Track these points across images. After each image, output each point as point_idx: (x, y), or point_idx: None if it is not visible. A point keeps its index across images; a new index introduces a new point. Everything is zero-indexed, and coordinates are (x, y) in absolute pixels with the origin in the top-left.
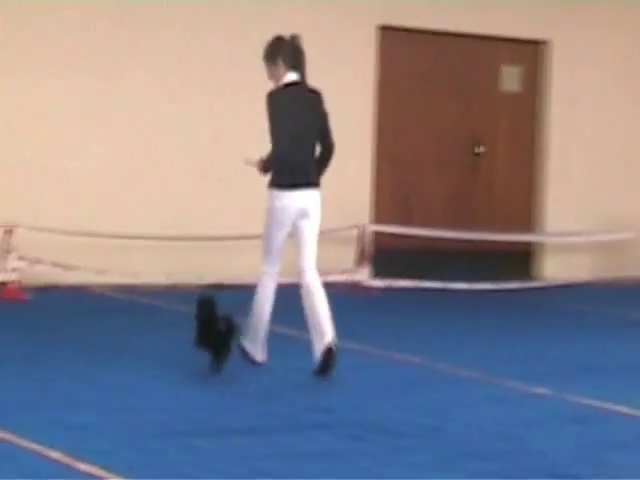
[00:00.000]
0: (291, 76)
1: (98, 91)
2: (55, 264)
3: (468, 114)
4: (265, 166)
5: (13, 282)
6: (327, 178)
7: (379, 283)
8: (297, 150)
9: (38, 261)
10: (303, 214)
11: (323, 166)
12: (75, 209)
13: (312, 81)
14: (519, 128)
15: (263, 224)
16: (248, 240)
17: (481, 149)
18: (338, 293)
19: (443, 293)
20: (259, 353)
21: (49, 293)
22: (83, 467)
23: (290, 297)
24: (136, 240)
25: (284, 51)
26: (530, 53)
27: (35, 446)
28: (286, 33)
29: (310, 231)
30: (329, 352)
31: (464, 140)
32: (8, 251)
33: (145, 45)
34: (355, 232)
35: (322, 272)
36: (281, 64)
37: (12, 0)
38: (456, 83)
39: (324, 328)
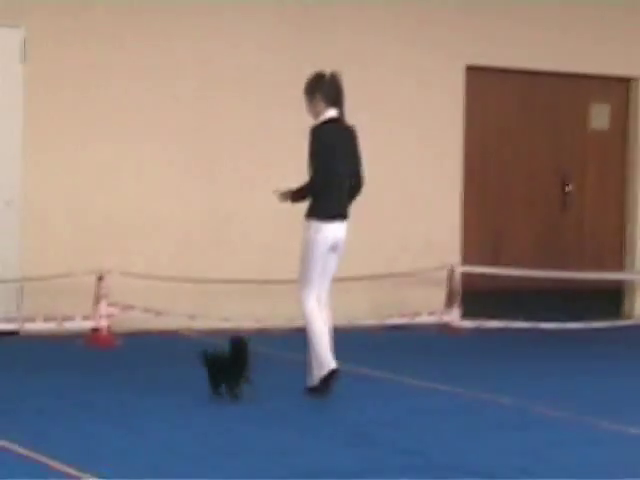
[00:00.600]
0: (331, 112)
1: (189, 140)
2: (146, 309)
3: (557, 152)
4: (294, 196)
5: (104, 328)
6: (416, 218)
7: (469, 324)
8: (337, 183)
9: (129, 307)
10: (336, 245)
11: (352, 200)
12: (166, 255)
13: (401, 120)
14: (608, 166)
15: (303, 254)
16: (339, 282)
17: (570, 187)
18: (427, 334)
19: (533, 333)
20: (332, 360)
21: (140, 339)
22: None
23: (378, 339)
24: (226, 284)
25: (323, 87)
26: (619, 90)
27: None
28: (377, 70)
29: (335, 265)
30: (332, 374)
31: (553, 178)
32: (100, 297)
33: (233, 91)
34: (444, 273)
35: (411, 313)
36: (320, 100)
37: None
38: (545, 122)
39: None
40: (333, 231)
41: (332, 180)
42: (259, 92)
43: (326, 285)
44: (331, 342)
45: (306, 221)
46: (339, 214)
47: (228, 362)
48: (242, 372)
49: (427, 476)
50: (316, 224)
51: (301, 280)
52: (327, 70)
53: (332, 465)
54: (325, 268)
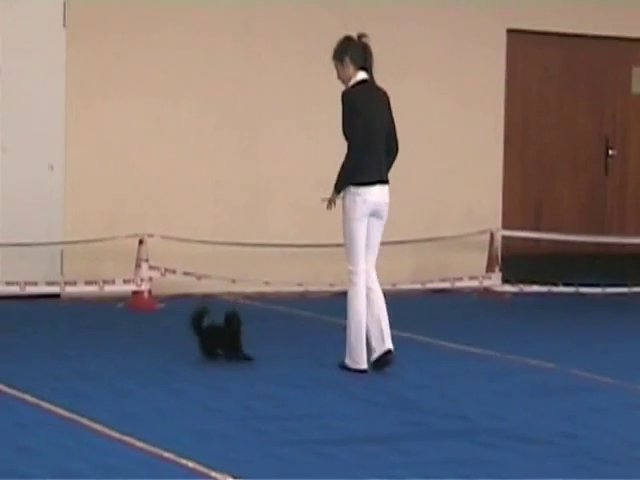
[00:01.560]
0: (361, 75)
1: (231, 103)
2: (186, 273)
3: (599, 116)
4: (337, 185)
5: (145, 292)
6: (457, 183)
7: (510, 288)
8: (373, 147)
9: (170, 271)
10: (378, 210)
11: (389, 167)
12: (207, 219)
13: (443, 83)
14: None
15: (344, 224)
16: (381, 246)
17: (613, 151)
18: (469, 299)
19: (575, 298)
20: (364, 361)
21: (180, 302)
22: (217, 476)
23: (420, 303)
24: (267, 248)
25: (352, 50)
26: None
27: (169, 455)
28: (418, 34)
29: (379, 233)
30: (388, 353)
31: (595, 143)
32: (141, 261)
33: (271, 58)
34: (486, 237)
35: (453, 278)
36: (349, 63)
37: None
38: (586, 86)
39: (384, 335)
40: (374, 195)
41: (369, 144)
42: (300, 56)
43: (373, 258)
44: (384, 325)
45: (345, 190)
46: (379, 178)
47: (221, 331)
48: (235, 342)
49: (469, 440)
50: (354, 189)
51: (347, 255)
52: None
53: (372, 430)
54: (370, 236)
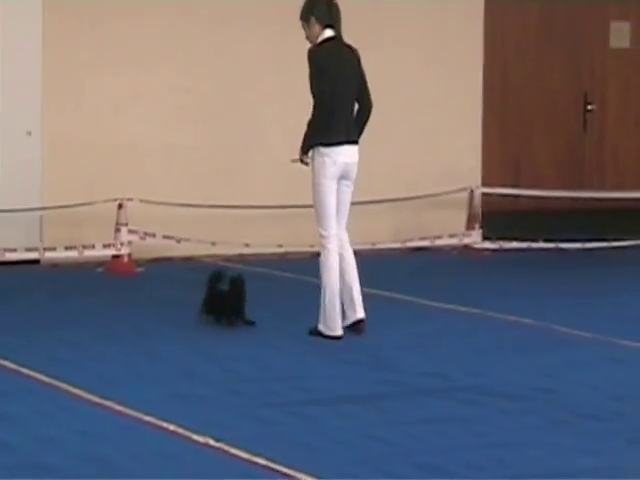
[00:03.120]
0: (327, 32)
1: (209, 66)
2: (166, 237)
3: (577, 72)
4: (304, 146)
5: (125, 256)
6: (436, 142)
7: (489, 245)
8: (341, 107)
9: (150, 234)
10: (347, 171)
11: (362, 126)
12: (186, 182)
13: (420, 42)
14: (630, 84)
15: (314, 187)
16: (360, 206)
17: (592, 106)
18: (449, 256)
19: (555, 253)
20: (339, 327)
21: (160, 266)
22: (199, 439)
23: (399, 262)
24: (247, 210)
25: (317, 9)
26: (639, 8)
27: (150, 419)
28: None
29: (349, 194)
30: (360, 322)
31: (574, 99)
32: (120, 225)
33: (248, 20)
34: (465, 195)
35: (432, 236)
36: (314, 23)
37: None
38: (564, 41)
39: (356, 304)
40: (343, 155)
41: (336, 103)
42: (277, 18)
43: (344, 221)
44: (355, 292)
45: (312, 151)
46: (347, 138)
47: (227, 295)
48: (240, 307)
49: (449, 398)
50: (323, 149)
51: (318, 219)
52: None
53: (352, 390)
54: (340, 200)
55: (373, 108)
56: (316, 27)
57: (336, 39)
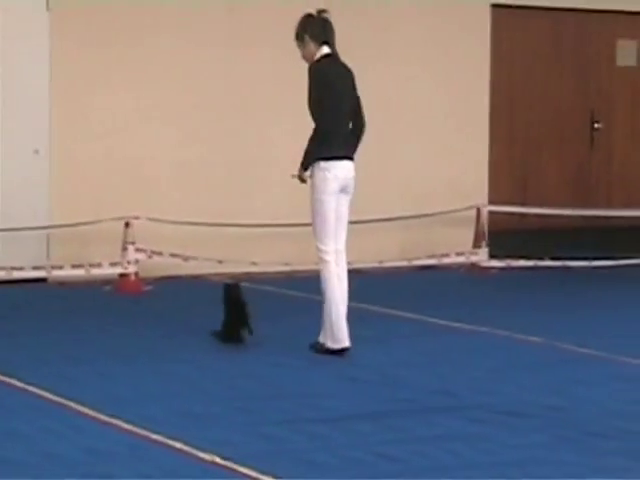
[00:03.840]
0: (324, 49)
1: (217, 84)
2: (173, 255)
3: (584, 90)
4: (304, 161)
5: (132, 274)
6: (442, 159)
7: (497, 263)
8: (340, 123)
9: (157, 253)
10: (346, 186)
11: (357, 142)
12: (193, 200)
13: (427, 60)
14: (637, 102)
15: (314, 202)
16: (367, 224)
17: (599, 124)
18: (456, 274)
19: (562, 272)
20: (347, 338)
21: (168, 284)
22: (205, 457)
23: (407, 280)
24: (253, 229)
25: (311, 27)
26: None
27: (157, 437)
28: (402, 10)
29: (347, 210)
30: (344, 351)
31: (581, 116)
32: (127, 243)
33: (257, 38)
34: (472, 213)
35: (440, 254)
36: (309, 41)
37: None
38: (571, 59)
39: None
40: (343, 170)
41: (337, 119)
42: (286, 36)
43: (343, 236)
44: (343, 309)
45: (313, 166)
46: (346, 154)
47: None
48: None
49: (457, 416)
50: (324, 164)
51: (318, 234)
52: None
53: (361, 407)
54: (340, 214)
55: (382, 125)
56: (311, 45)
57: (333, 56)
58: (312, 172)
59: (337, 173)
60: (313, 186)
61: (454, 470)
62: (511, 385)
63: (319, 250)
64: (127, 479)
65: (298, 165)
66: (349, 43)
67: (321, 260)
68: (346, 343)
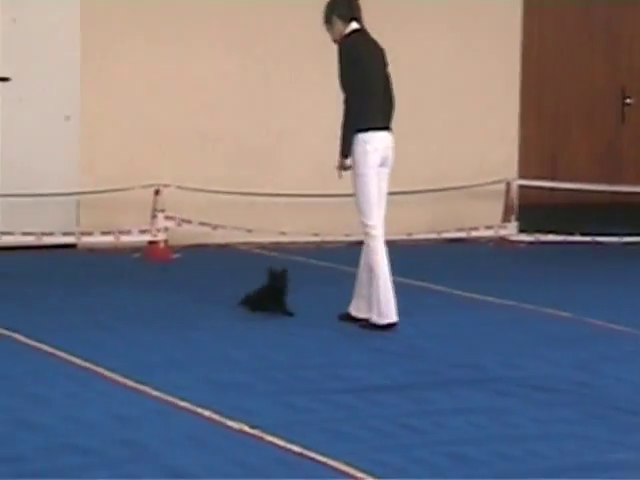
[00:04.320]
0: (353, 25)
1: (245, 53)
2: (202, 223)
3: (616, 65)
4: (343, 147)
5: (161, 242)
6: (473, 133)
7: (525, 237)
8: (375, 94)
9: (186, 221)
10: (386, 157)
11: (390, 118)
12: (223, 168)
13: (458, 36)
14: None
15: (356, 177)
16: (396, 196)
17: (630, 100)
18: (484, 248)
19: (592, 247)
20: (394, 313)
21: (196, 252)
22: (233, 425)
23: (435, 253)
24: (284, 198)
25: (337, 8)
26: None
27: (185, 404)
28: None
29: (386, 185)
30: (365, 322)
31: (612, 92)
32: (156, 211)
33: (287, 8)
34: (502, 187)
35: (469, 227)
36: (337, 20)
37: None
38: (603, 34)
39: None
40: (384, 141)
41: (372, 90)
42: (317, 6)
43: (383, 211)
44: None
45: (353, 140)
46: (384, 124)
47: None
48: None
49: (482, 389)
50: (364, 136)
51: (362, 210)
52: None
53: (386, 379)
54: (381, 189)
55: (413, 100)
56: (339, 24)
57: (362, 31)
58: (353, 147)
59: (377, 145)
60: (354, 162)
61: (479, 443)
62: (538, 360)
63: (365, 225)
64: (154, 445)
65: (333, 136)
66: (377, 16)
67: (368, 235)
68: (393, 318)
